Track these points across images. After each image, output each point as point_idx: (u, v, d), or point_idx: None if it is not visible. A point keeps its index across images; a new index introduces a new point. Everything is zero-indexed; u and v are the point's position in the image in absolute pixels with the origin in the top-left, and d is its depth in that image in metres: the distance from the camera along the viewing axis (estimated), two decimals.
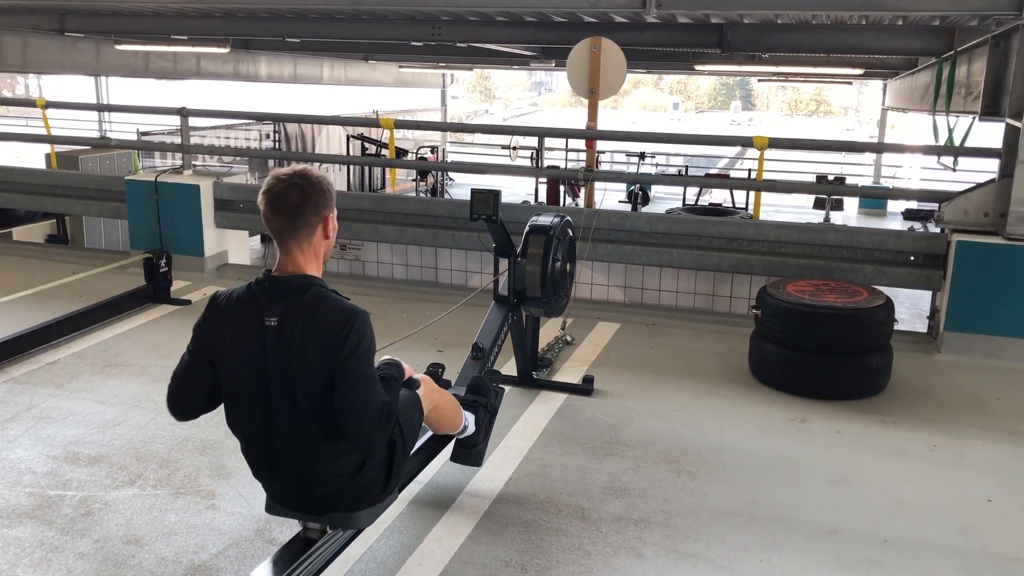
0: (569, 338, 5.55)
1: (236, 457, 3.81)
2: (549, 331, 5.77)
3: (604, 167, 18.48)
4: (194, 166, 7.10)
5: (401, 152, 16.02)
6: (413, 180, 17.58)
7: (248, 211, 6.85)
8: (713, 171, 21.15)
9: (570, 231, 4.59)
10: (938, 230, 5.81)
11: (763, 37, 10.84)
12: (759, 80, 21.15)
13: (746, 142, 5.82)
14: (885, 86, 25.13)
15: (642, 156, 17.58)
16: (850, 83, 25.51)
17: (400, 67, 25.81)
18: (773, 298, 4.85)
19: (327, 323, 2.42)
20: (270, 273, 2.51)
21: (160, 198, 6.77)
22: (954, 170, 9.04)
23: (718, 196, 16.37)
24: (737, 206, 15.45)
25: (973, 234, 5.37)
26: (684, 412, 4.54)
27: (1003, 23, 6.19)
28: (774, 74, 16.79)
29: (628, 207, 15.45)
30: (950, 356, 5.36)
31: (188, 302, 6.17)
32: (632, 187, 16.55)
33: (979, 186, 5.47)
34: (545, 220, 4.42)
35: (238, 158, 15.14)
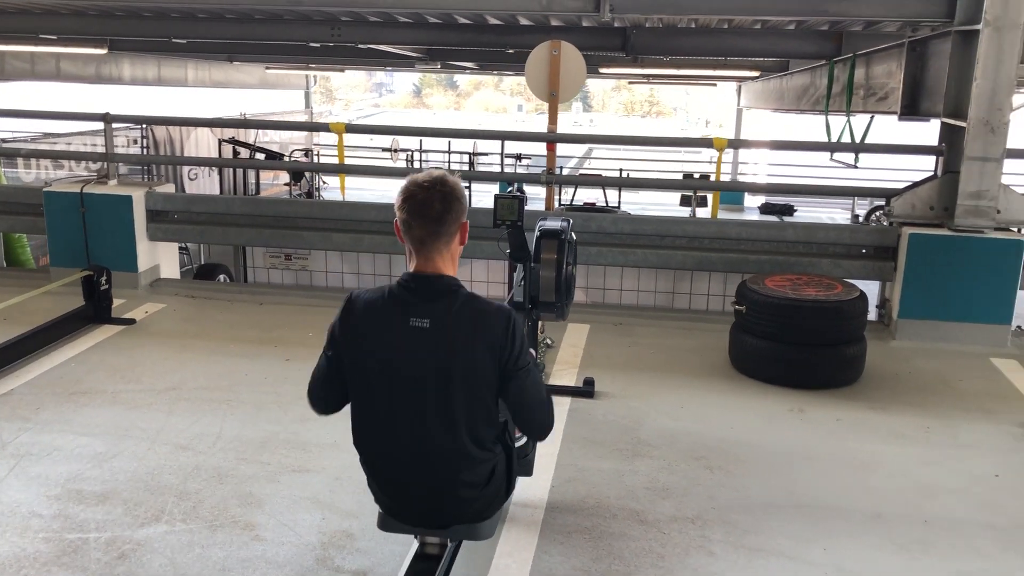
0: (549, 341, 5.52)
1: (259, 484, 3.63)
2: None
3: (482, 168, 18.57)
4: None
5: (274, 155, 15.51)
6: (286, 184, 16.92)
7: (184, 221, 6.46)
8: (580, 171, 21.60)
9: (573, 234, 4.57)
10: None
11: (665, 41, 11.15)
12: (629, 82, 21.75)
13: (705, 143, 5.96)
14: (739, 88, 26.42)
15: (519, 157, 17.81)
16: (714, 85, 26.64)
17: (267, 68, 25.07)
18: (757, 293, 5.00)
19: (492, 323, 2.41)
20: (412, 275, 2.47)
21: (87, 211, 6.28)
22: (856, 167, 9.59)
23: (590, 195, 16.52)
24: (610, 205, 15.61)
25: (921, 227, 5.72)
26: (689, 409, 4.61)
27: (919, 29, 6.64)
28: (651, 76, 17.34)
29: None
30: (904, 342, 5.68)
31: (132, 321, 5.75)
32: (510, 188, 16.65)
33: (924, 182, 5.83)
34: (555, 224, 4.37)
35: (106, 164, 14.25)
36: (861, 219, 14.87)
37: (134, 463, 3.81)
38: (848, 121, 9.39)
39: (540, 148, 20.47)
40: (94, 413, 4.32)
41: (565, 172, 21.58)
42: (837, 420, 4.53)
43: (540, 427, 2.64)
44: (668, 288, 6.31)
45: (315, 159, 20.22)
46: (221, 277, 10.37)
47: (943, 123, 5.89)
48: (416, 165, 18.80)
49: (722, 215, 19.86)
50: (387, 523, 2.67)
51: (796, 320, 4.86)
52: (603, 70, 12.68)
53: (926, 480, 3.89)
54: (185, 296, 6.40)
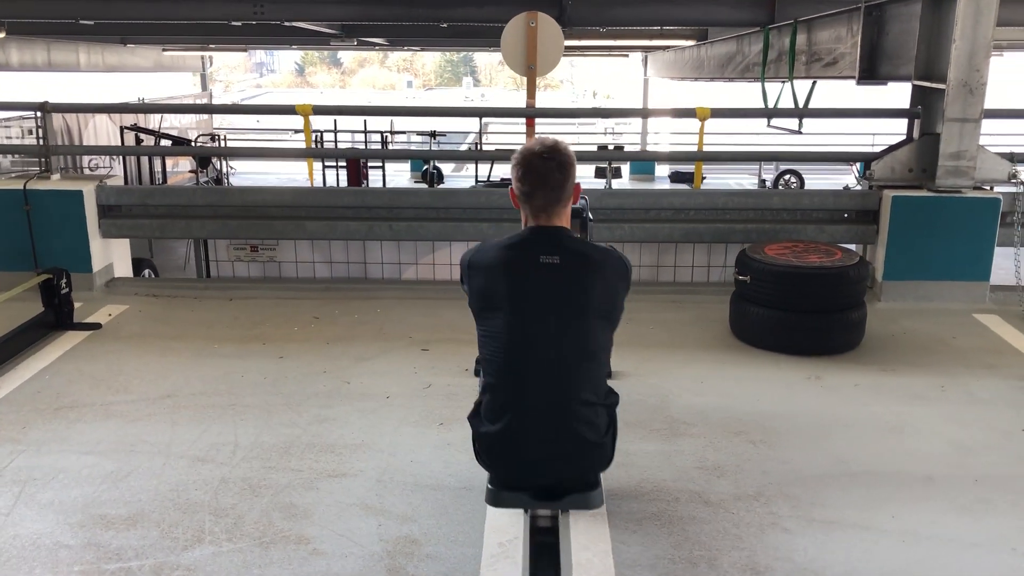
0: None
1: (298, 493, 3.40)
2: None
3: (396, 147, 18.23)
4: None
5: (181, 141, 14.80)
6: (191, 171, 16.12)
7: (140, 216, 6.04)
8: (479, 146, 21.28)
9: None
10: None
11: (602, 11, 11.10)
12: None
13: (688, 113, 5.89)
14: (645, 58, 26.69)
15: (433, 135, 17.58)
16: (627, 56, 26.81)
17: (164, 50, 23.97)
18: (760, 263, 4.98)
19: (616, 264, 2.64)
20: (534, 227, 2.64)
21: (31, 208, 5.80)
22: (800, 132, 9.73)
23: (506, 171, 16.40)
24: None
25: (902, 189, 5.80)
26: (710, 384, 4.56)
27: None
28: (585, 48, 17.30)
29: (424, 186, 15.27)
30: (890, 303, 5.78)
31: (98, 326, 5.34)
32: (425, 166, 16.40)
33: (901, 144, 5.91)
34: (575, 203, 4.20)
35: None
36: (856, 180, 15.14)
37: (153, 480, 3.51)
38: (792, 86, 9.52)
39: (448, 124, 20.25)
40: (90, 429, 3.98)
41: (463, 147, 21.36)
42: (855, 385, 4.55)
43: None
44: (652, 262, 6.25)
45: (221, 144, 19.51)
46: (146, 272, 9.84)
47: (915, 86, 5.98)
48: (332, 145, 18.33)
49: (634, 184, 20.12)
50: (499, 497, 2.69)
51: (803, 287, 4.86)
52: None
53: (959, 439, 3.94)
54: (147, 296, 6.00)
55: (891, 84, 7.10)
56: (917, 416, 4.17)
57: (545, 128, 21.85)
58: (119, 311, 5.67)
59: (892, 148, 5.93)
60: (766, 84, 10.83)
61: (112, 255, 6.18)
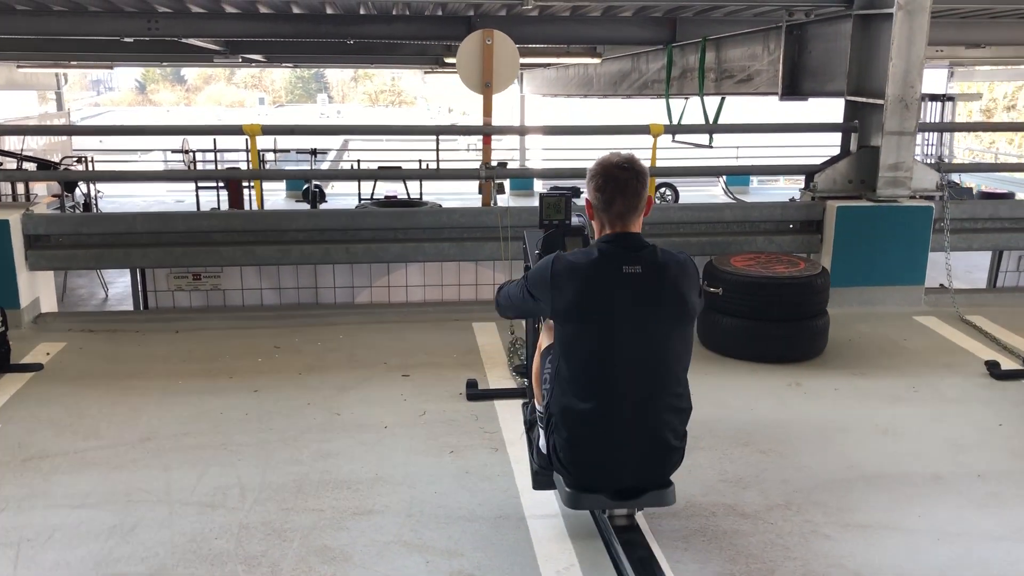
0: (524, 340, 5.35)
1: (328, 534, 3.25)
2: (486, 338, 5.52)
3: (269, 166, 17.76)
4: None
5: (47, 165, 13.82)
6: (55, 195, 14.91)
7: (72, 246, 5.62)
8: (341, 163, 20.84)
9: None
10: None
11: (510, 29, 11.07)
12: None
13: (643, 130, 5.98)
14: (521, 75, 27.06)
15: (314, 152, 17.23)
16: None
17: (18, 67, 22.56)
18: (732, 274, 5.10)
19: (691, 270, 2.79)
20: (613, 235, 2.75)
21: None
22: (711, 147, 10.05)
23: (389, 189, 16.06)
24: (412, 197, 15.22)
25: (843, 199, 6.08)
26: (700, 395, 4.52)
27: (794, 14, 7.04)
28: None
29: (306, 206, 14.80)
30: (837, 309, 5.97)
31: (39, 367, 4.93)
32: (307, 184, 15.99)
33: (840, 157, 6.19)
34: (576, 221, 4.19)
35: None
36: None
37: (164, 531, 3.25)
38: (703, 102, 9.83)
39: (329, 142, 19.80)
40: (71, 480, 3.65)
41: (325, 166, 20.87)
42: (835, 390, 4.71)
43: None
44: None
45: (90, 167, 18.42)
46: None
47: (848, 101, 6.28)
48: (213, 166, 17.68)
49: (516, 201, 20.34)
50: (578, 500, 2.80)
51: (775, 297, 5.01)
52: (448, 60, 12.46)
53: (950, 437, 4.13)
54: (82, 331, 5.57)
55: (811, 100, 7.46)
56: (903, 417, 4.35)
57: (417, 143, 21.61)
58: (57, 349, 5.25)
59: (832, 161, 6.20)
60: (670, 101, 11.17)
61: (39, 289, 5.73)
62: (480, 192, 18.64)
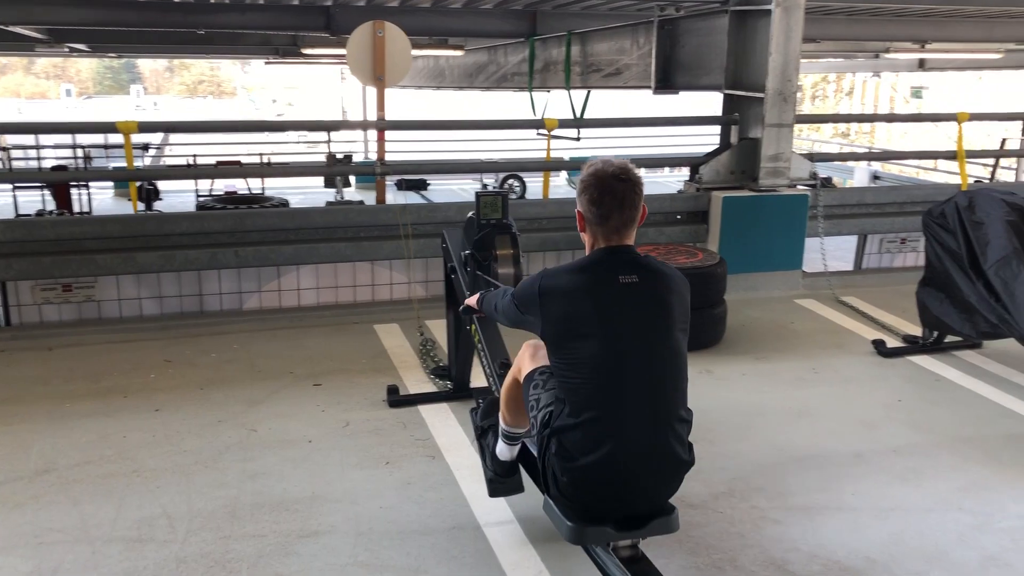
0: (434, 341, 5.22)
1: (278, 560, 3.14)
2: (393, 340, 5.36)
3: (98, 162, 16.68)
4: None
5: None
6: None
7: None
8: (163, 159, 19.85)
9: None
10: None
11: (369, 18, 10.84)
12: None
13: (538, 124, 5.95)
14: None
15: (145, 148, 16.35)
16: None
17: None
18: None
19: (680, 281, 2.63)
20: (607, 248, 2.56)
21: None
22: (578, 139, 10.15)
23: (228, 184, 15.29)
24: (254, 191, 14.63)
25: (726, 190, 6.29)
26: None
27: (666, 9, 7.24)
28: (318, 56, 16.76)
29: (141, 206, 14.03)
30: (727, 295, 6.23)
31: None
32: (141, 183, 15.13)
33: (722, 150, 6.40)
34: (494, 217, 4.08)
35: None
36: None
37: (91, 574, 2.95)
38: (570, 95, 9.94)
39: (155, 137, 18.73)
40: (36, 516, 3.26)
41: (147, 162, 19.77)
42: (743, 375, 4.88)
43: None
44: None
45: None
46: None
47: (727, 94, 6.50)
48: (35, 165, 16.36)
49: (361, 194, 20.00)
50: (582, 534, 2.55)
51: None
52: (307, 51, 12.02)
53: (858, 415, 4.35)
54: None
55: (681, 94, 7.69)
56: (813, 399, 4.55)
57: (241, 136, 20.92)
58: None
59: (715, 153, 6.41)
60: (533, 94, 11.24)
61: None
62: (327, 186, 17.84)
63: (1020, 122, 17.00)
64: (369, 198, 16.54)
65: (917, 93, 20.34)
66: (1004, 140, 16.30)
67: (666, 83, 7.60)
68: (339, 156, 24.86)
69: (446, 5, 10.61)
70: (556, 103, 11.95)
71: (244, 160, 15.89)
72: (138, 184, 15.61)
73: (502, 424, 3.05)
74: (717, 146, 6.69)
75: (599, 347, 2.46)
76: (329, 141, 15.19)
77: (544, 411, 2.62)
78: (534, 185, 21.42)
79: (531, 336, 2.75)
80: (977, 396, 4.65)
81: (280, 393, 4.52)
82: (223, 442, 3.93)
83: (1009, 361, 5.10)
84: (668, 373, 2.53)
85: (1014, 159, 14.29)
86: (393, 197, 16.04)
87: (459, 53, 12.08)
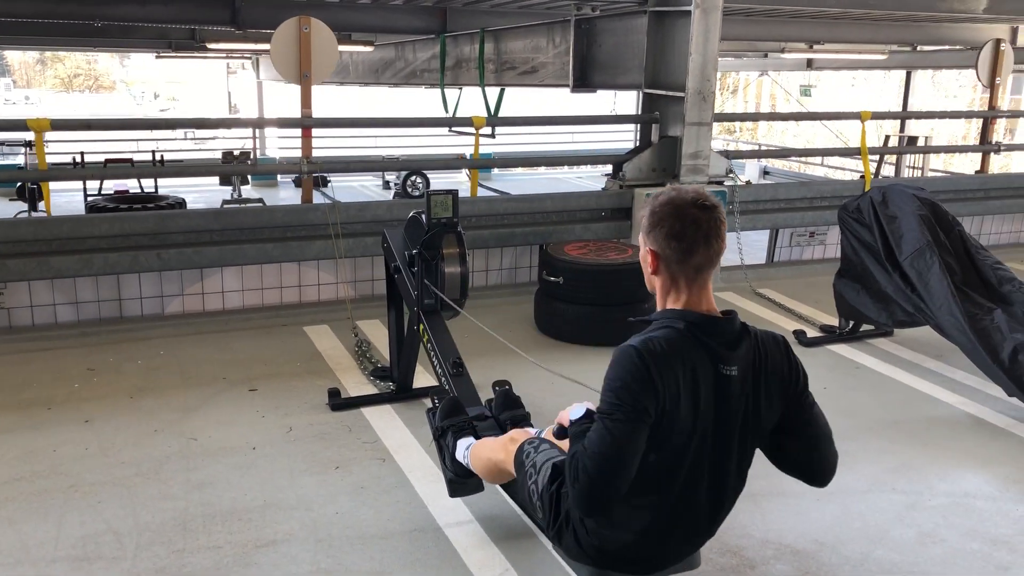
0: (369, 342, 5.16)
1: (238, 572, 3.07)
2: (325, 342, 5.27)
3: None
4: None
5: None
6: None
7: None
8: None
9: None
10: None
11: (277, 13, 10.57)
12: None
13: (466, 122, 5.94)
14: (256, 60, 26.05)
15: (28, 145, 15.59)
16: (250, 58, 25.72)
17: None
18: (571, 263, 5.24)
19: (779, 360, 2.20)
20: (702, 316, 2.12)
21: None
22: (493, 137, 10.18)
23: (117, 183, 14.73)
24: (146, 191, 14.15)
25: (649, 187, 6.42)
26: (561, 383, 4.70)
27: (582, 8, 7.34)
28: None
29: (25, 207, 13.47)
30: None
31: None
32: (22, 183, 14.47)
33: (643, 148, 6.54)
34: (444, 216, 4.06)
35: None
36: None
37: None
38: (484, 93, 9.96)
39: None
40: None
41: (20, 159, 18.87)
42: None
43: (833, 461, 2.37)
44: None
45: None
46: None
47: (646, 94, 6.64)
48: None
49: (259, 191, 19.58)
50: None
51: (614, 283, 5.22)
52: (211, 45, 11.64)
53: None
54: None
55: (600, 92, 7.81)
56: None
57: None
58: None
59: (637, 151, 6.54)
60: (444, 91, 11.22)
61: None
62: (222, 184, 17.27)
63: (897, 121, 18.00)
64: (268, 195, 16.28)
65: (806, 92, 21.24)
66: (887, 137, 17.19)
67: (584, 82, 7.70)
68: (236, 152, 24.25)
69: (354, 0, 10.48)
70: (468, 100, 11.99)
71: (135, 157, 15.37)
72: (19, 184, 14.99)
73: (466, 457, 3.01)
74: (634, 144, 6.84)
75: (686, 447, 2.10)
76: (218, 139, 14.72)
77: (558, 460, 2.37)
78: (437, 183, 21.43)
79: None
80: (894, 382, 4.91)
81: (215, 399, 4.39)
82: (162, 452, 3.80)
83: (919, 348, 5.40)
84: (738, 483, 2.26)
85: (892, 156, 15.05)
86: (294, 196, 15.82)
87: (368, 49, 11.91)
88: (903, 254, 4.88)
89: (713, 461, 2.16)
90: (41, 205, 14.17)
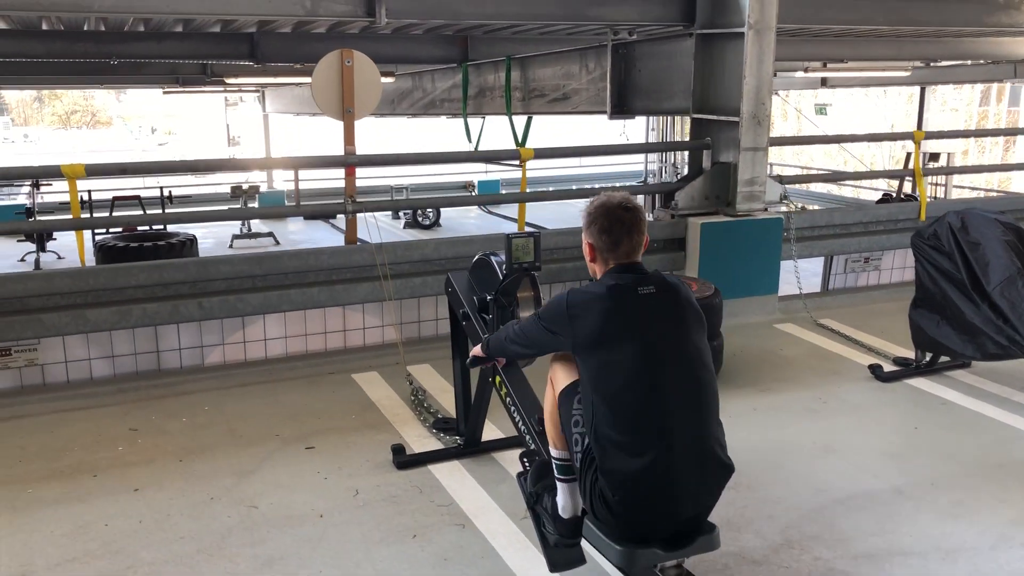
0: (424, 389, 4.88)
1: None
2: (378, 391, 4.98)
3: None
4: None
5: None
6: None
7: None
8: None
9: None
10: None
11: (295, 47, 10.45)
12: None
13: (514, 155, 5.69)
14: (263, 93, 25.94)
15: (36, 185, 15.45)
16: (259, 92, 25.63)
17: None
18: None
19: (688, 290, 2.79)
20: (620, 265, 2.73)
21: None
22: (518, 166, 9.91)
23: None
24: (155, 228, 13.91)
25: (702, 216, 6.16)
26: None
27: (619, 33, 7.13)
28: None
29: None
30: None
31: None
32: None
33: (696, 175, 6.28)
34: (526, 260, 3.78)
35: None
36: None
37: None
38: (511, 121, 9.74)
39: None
40: None
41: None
42: (754, 409, 4.71)
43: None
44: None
45: None
46: None
47: (695, 119, 6.39)
48: None
49: (268, 226, 19.28)
50: (633, 557, 2.58)
51: None
52: (230, 80, 11.46)
53: (882, 447, 4.23)
54: None
55: (639, 118, 7.56)
56: (831, 431, 4.41)
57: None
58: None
59: (688, 178, 6.28)
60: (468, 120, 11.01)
61: None
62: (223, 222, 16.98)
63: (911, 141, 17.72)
64: (277, 228, 16.07)
65: (821, 110, 20.97)
66: (909, 155, 16.92)
67: (622, 108, 7.47)
68: (245, 186, 24.00)
69: (375, 31, 10.29)
70: (492, 129, 11.76)
71: (142, 194, 15.19)
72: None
73: (553, 452, 2.88)
74: (645, 167, 6.58)
75: (637, 350, 2.57)
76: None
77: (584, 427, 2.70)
78: (448, 216, 21.20)
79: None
80: (986, 419, 4.60)
81: (271, 460, 4.10)
82: (223, 524, 3.50)
83: (1004, 380, 5.10)
84: (703, 376, 2.66)
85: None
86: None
87: (390, 80, 11.71)
88: (991, 283, 4.60)
89: (672, 359, 2.61)
90: (50, 245, 14.10)
